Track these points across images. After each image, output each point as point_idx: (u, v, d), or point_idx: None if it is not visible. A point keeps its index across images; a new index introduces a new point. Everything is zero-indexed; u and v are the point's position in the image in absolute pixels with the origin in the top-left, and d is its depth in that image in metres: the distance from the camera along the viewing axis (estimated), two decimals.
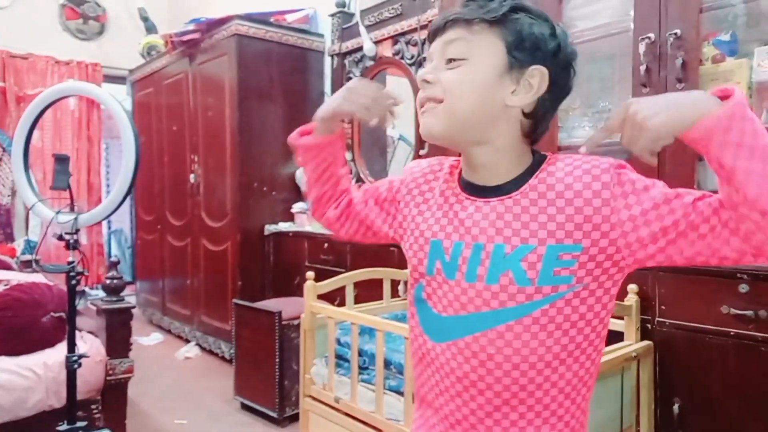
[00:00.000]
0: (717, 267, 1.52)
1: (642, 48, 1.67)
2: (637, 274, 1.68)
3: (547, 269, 0.70)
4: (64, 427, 1.60)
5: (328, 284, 2.10)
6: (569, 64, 0.77)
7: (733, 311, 1.48)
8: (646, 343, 1.62)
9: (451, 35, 0.74)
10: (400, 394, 1.70)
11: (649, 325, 1.65)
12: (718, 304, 1.51)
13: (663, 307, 1.63)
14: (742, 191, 0.59)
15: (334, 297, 2.30)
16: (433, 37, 0.78)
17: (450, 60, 0.74)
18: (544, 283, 0.70)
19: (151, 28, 4.55)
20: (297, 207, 3.42)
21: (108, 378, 1.93)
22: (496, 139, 0.76)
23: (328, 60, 3.49)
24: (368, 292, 2.29)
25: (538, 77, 0.74)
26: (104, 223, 5.20)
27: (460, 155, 0.82)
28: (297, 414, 2.30)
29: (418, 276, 0.82)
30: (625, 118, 0.65)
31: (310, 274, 2.09)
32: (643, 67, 1.68)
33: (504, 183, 0.76)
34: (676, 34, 1.60)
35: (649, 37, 1.66)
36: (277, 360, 2.47)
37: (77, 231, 1.53)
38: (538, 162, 0.76)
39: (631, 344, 1.61)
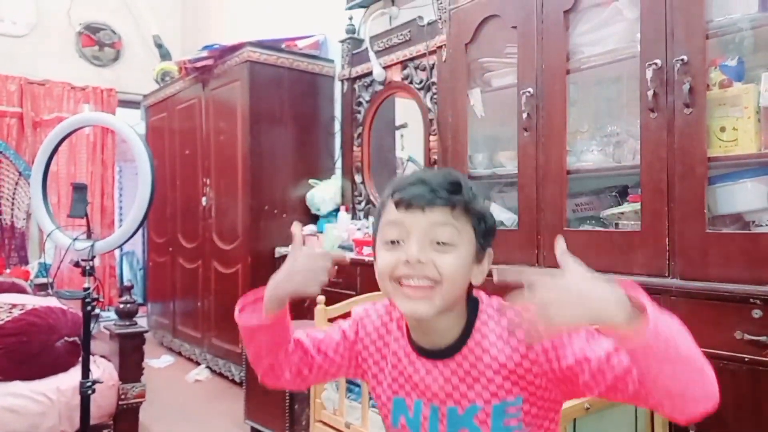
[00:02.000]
0: (728, 291, 1.52)
1: (649, 73, 1.68)
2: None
3: (497, 422, 0.79)
4: None
5: (339, 308, 2.10)
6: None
7: (747, 337, 1.46)
8: None
9: (438, 217, 0.78)
10: None
11: None
12: (731, 329, 1.50)
13: None
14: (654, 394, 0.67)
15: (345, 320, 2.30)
16: (407, 206, 0.78)
17: (440, 243, 0.78)
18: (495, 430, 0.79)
19: (165, 55, 4.65)
20: (307, 229, 3.44)
21: (120, 402, 1.94)
22: (454, 308, 0.82)
23: (338, 85, 3.54)
24: None
25: (489, 257, 0.84)
26: None
27: None
28: None
29: (387, 426, 0.90)
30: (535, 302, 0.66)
31: (321, 297, 2.09)
32: (650, 93, 1.69)
33: (447, 346, 0.83)
34: (682, 59, 1.62)
35: (655, 63, 1.67)
36: None
37: (93, 258, 1.56)
38: (471, 319, 0.83)
39: None
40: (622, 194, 1.95)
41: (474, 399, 0.80)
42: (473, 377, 0.80)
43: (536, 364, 0.77)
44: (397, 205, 0.79)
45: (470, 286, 0.84)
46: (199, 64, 3.69)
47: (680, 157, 1.65)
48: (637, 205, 1.78)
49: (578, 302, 0.63)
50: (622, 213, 1.87)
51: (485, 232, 0.82)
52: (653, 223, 1.70)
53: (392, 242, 0.80)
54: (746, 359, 1.46)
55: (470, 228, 0.80)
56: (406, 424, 0.85)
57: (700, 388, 0.66)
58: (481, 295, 0.86)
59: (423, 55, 2.82)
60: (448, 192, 0.78)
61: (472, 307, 0.84)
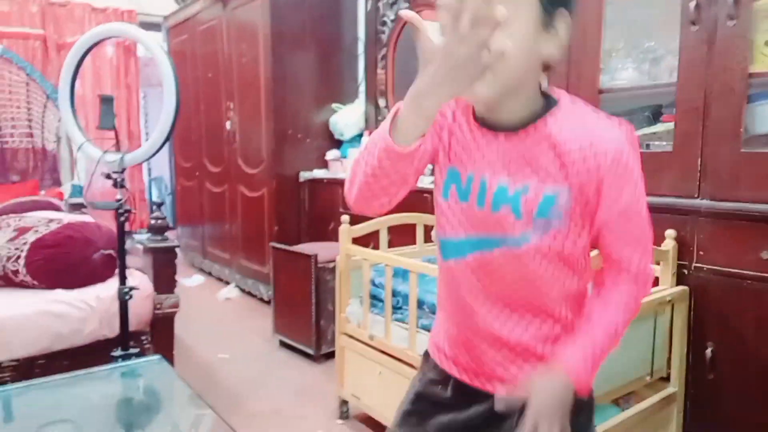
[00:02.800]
0: (759, 212, 1.49)
1: None
2: (675, 219, 1.67)
3: (543, 207, 0.78)
4: (119, 353, 1.72)
5: (363, 228, 2.14)
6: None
7: None
8: (681, 288, 1.62)
9: None
10: None
11: (686, 271, 1.64)
12: (757, 249, 1.49)
13: (701, 253, 1.62)
14: None
15: (368, 242, 2.34)
16: None
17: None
18: (539, 217, 0.78)
19: None
20: (331, 154, 3.44)
21: (156, 311, 2.05)
22: (523, 87, 0.77)
23: (361, 3, 3.41)
24: (401, 237, 2.33)
25: (564, 24, 0.75)
26: (145, 171, 5.35)
27: None
28: (333, 352, 2.40)
29: (435, 200, 0.88)
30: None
31: (346, 218, 2.13)
32: (692, 4, 1.60)
33: (514, 122, 0.79)
34: None
35: None
36: (314, 301, 2.56)
37: (124, 170, 1.59)
38: (547, 105, 0.79)
39: (666, 288, 1.61)
40: (656, 114, 1.89)
41: (528, 177, 0.78)
42: (533, 155, 0.77)
43: (591, 185, 0.77)
44: None
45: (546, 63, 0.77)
46: None
47: (720, 73, 1.58)
48: (671, 125, 1.73)
49: (559, 407, 0.78)
50: (654, 133, 1.82)
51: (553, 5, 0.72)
52: (686, 143, 1.66)
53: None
54: None
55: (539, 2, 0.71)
56: (456, 193, 0.84)
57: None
58: (563, 95, 0.80)
59: None
60: None
61: (549, 99, 0.79)
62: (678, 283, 1.64)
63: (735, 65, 1.55)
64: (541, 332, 0.85)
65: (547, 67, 0.79)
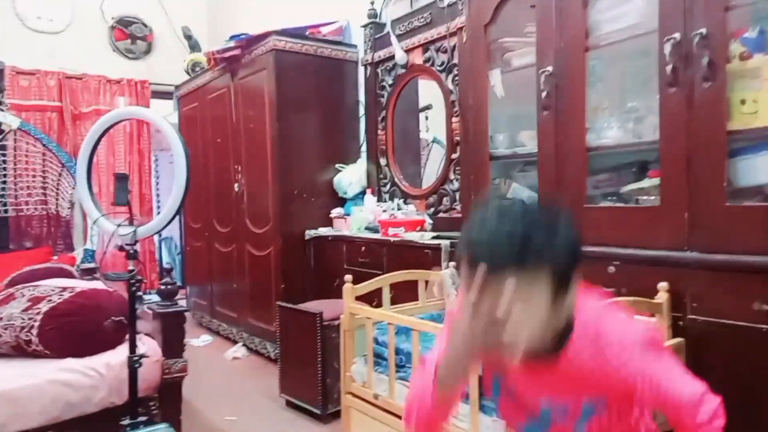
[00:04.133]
0: (748, 263, 1.53)
1: (668, 48, 1.68)
2: (668, 272, 1.71)
3: (585, 415, 0.91)
4: (127, 421, 1.74)
5: (366, 286, 2.19)
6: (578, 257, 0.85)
7: (765, 308, 1.48)
8: (678, 340, 1.64)
9: (499, 279, 0.76)
10: None
11: (680, 323, 1.67)
12: (750, 300, 1.52)
13: (695, 304, 1.65)
14: None
15: (372, 298, 2.38)
16: (471, 262, 0.79)
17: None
18: (582, 422, 0.91)
19: (194, 46, 4.77)
20: (335, 212, 3.54)
21: (164, 377, 2.08)
22: (543, 344, 0.88)
23: (361, 69, 3.59)
24: (404, 293, 2.37)
25: (571, 296, 0.84)
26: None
27: None
28: (339, 411, 2.40)
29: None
30: None
31: (348, 276, 2.19)
32: (669, 67, 1.69)
33: (541, 353, 0.87)
34: (701, 33, 1.61)
35: (674, 38, 1.67)
36: (320, 359, 2.58)
37: (136, 242, 1.67)
38: (566, 330, 0.88)
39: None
40: (642, 170, 1.96)
41: (563, 400, 0.92)
42: (563, 384, 0.91)
43: (620, 388, 0.88)
44: (469, 261, 0.80)
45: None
46: (227, 55, 3.79)
47: (700, 131, 1.65)
48: (657, 181, 1.79)
49: None
50: (641, 188, 1.89)
51: (566, 276, 0.81)
52: (673, 197, 1.72)
53: None
54: (765, 329, 1.48)
55: (546, 279, 0.79)
56: (496, 393, 1.00)
57: None
58: (579, 305, 0.87)
59: (444, 37, 2.85)
60: (522, 255, 0.77)
61: (568, 320, 0.87)
62: (674, 335, 1.66)
63: (713, 123, 1.63)
64: None
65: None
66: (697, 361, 1.64)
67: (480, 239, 0.79)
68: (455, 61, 2.79)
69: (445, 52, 2.86)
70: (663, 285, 1.67)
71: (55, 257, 3.77)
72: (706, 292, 1.63)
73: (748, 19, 1.68)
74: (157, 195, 6.09)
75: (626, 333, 0.89)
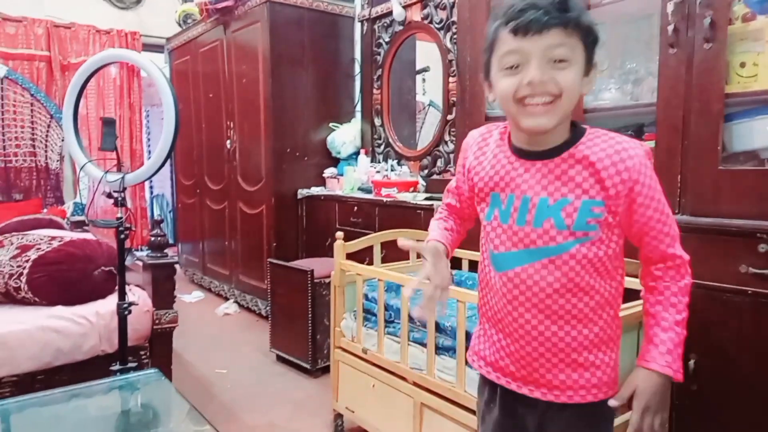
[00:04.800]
0: (737, 227, 1.54)
1: (670, 7, 1.65)
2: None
3: (581, 218, 0.90)
4: (117, 367, 1.76)
5: (357, 243, 2.19)
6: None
7: (752, 270, 1.50)
8: None
9: (553, 39, 0.84)
10: (423, 345, 1.79)
11: None
12: (737, 263, 1.53)
13: None
14: None
15: (363, 257, 2.39)
16: (524, 32, 0.84)
17: (558, 61, 0.85)
18: (577, 228, 0.90)
19: None
20: (328, 172, 3.51)
21: (155, 327, 2.09)
22: (565, 119, 0.92)
23: (358, 26, 3.51)
24: (395, 252, 2.38)
25: (594, 71, 0.92)
26: (146, 188, 5.42)
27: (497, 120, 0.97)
28: (328, 366, 2.44)
29: (482, 222, 1.03)
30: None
31: (340, 234, 2.19)
32: (671, 27, 1.66)
33: (548, 149, 0.92)
34: None
35: None
36: (310, 315, 2.60)
37: (124, 189, 1.65)
38: (578, 134, 0.93)
39: None
40: (639, 133, 1.94)
41: (566, 193, 0.91)
42: (570, 176, 0.91)
43: (624, 193, 0.89)
44: (515, 32, 0.85)
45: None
46: (219, 6, 3.69)
47: (698, 93, 1.64)
48: (652, 143, 1.79)
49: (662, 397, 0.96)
50: None
51: (592, 43, 0.88)
52: (666, 160, 1.71)
53: (512, 67, 0.87)
54: (749, 292, 1.50)
55: (580, 42, 0.86)
56: (498, 215, 0.97)
57: None
58: (587, 126, 0.96)
59: None
60: (561, 11, 0.83)
61: (576, 129, 0.94)
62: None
63: (712, 86, 1.61)
64: (585, 338, 0.95)
65: None
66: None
67: (525, 3, 0.84)
68: (454, 18, 2.73)
69: (444, 8, 2.80)
70: None
71: (45, 210, 3.74)
72: (694, 255, 1.61)
73: None
74: (149, 151, 6.02)
75: (637, 143, 0.92)
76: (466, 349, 1.65)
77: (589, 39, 0.88)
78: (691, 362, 1.63)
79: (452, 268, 2.26)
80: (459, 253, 2.29)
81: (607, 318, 0.96)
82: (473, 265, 2.26)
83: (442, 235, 1.08)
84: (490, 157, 0.99)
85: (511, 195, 0.95)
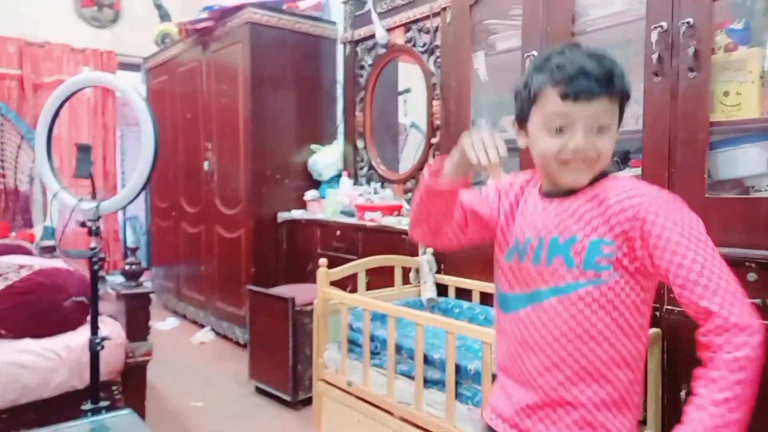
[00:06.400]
0: (725, 256, 1.54)
1: (654, 36, 1.66)
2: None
3: (589, 257, 0.87)
4: (88, 406, 1.66)
5: (341, 271, 2.14)
6: None
7: None
8: (654, 330, 1.64)
9: (600, 107, 0.86)
10: (411, 378, 1.74)
11: (657, 313, 1.67)
12: None
13: (671, 295, 1.65)
14: None
15: (346, 284, 2.34)
16: (574, 99, 0.85)
17: (599, 127, 0.87)
18: (587, 268, 0.88)
19: (164, 16, 4.58)
20: (309, 195, 3.46)
21: (128, 360, 1.99)
22: None
23: (340, 48, 3.50)
24: (379, 279, 2.33)
25: (623, 120, 0.93)
26: (119, 211, 5.28)
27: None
28: (310, 398, 2.36)
29: (497, 262, 1.02)
30: None
31: (323, 260, 2.13)
32: (655, 56, 1.68)
33: (569, 190, 0.93)
34: (688, 22, 1.60)
35: (661, 26, 1.65)
36: (291, 345, 2.52)
37: (99, 218, 1.58)
38: (600, 177, 0.92)
39: None
40: (624, 159, 1.95)
41: (576, 231, 0.90)
42: (579, 214, 0.90)
43: (634, 234, 0.85)
44: (564, 97, 0.86)
45: None
46: (199, 26, 3.65)
47: (683, 121, 1.64)
48: (638, 171, 1.79)
49: None
50: None
51: (625, 101, 0.90)
52: None
53: (557, 129, 0.88)
54: None
55: (618, 106, 0.89)
56: (517, 257, 0.97)
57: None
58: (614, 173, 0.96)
59: (427, 17, 2.79)
60: (609, 81, 0.85)
61: (603, 172, 0.93)
62: (651, 326, 1.66)
63: (696, 114, 1.62)
64: (597, 397, 0.88)
65: None
66: (674, 352, 1.65)
67: (576, 69, 0.85)
68: (438, 42, 2.73)
69: (428, 32, 2.80)
70: None
71: (13, 233, 3.60)
72: None
73: (735, 10, 1.67)
74: (123, 173, 5.88)
75: (656, 186, 0.90)
76: (456, 382, 1.61)
77: (625, 101, 0.90)
78: (683, 392, 1.61)
79: (458, 297, 2.22)
80: (447, 280, 2.25)
81: (624, 379, 0.89)
82: (462, 294, 2.22)
83: None
84: (531, 209, 1.00)
85: (529, 237, 0.96)
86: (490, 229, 1.05)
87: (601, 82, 0.85)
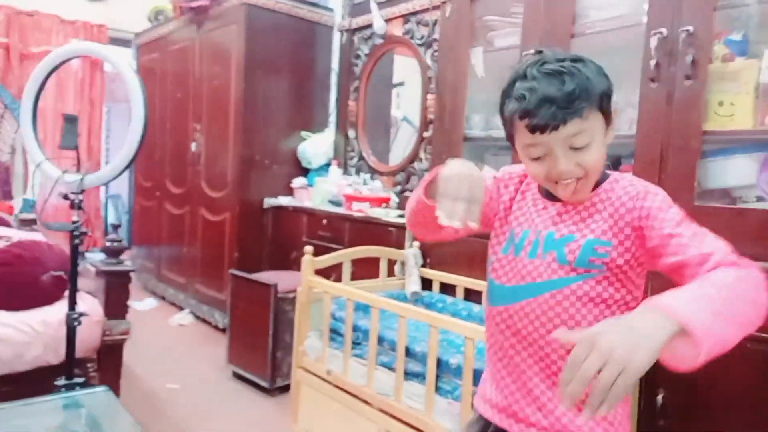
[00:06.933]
0: None
1: (654, 42, 1.67)
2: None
3: (583, 256, 0.89)
4: (62, 382, 1.63)
5: (326, 259, 2.12)
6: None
7: None
8: None
9: (571, 129, 0.85)
10: (392, 370, 1.73)
11: None
12: None
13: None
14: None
15: (329, 273, 2.32)
16: (542, 131, 0.85)
17: (578, 148, 0.86)
18: (579, 265, 0.89)
19: None
20: (297, 182, 3.43)
21: (105, 338, 1.96)
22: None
23: (337, 35, 3.46)
24: (364, 270, 2.32)
25: (615, 114, 0.92)
26: (102, 188, 5.19)
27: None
28: (287, 385, 2.34)
29: (492, 254, 1.02)
30: (592, 354, 0.63)
31: (309, 248, 2.11)
32: (653, 62, 1.68)
33: None
34: (688, 30, 1.60)
35: (661, 32, 1.66)
36: (271, 331, 2.50)
37: (83, 191, 1.54)
38: (601, 180, 0.93)
39: None
40: (616, 164, 1.96)
41: (573, 231, 0.92)
42: (581, 216, 0.92)
43: (633, 227, 0.88)
44: (532, 130, 0.86)
45: None
46: (194, 4, 3.58)
47: (676, 128, 1.65)
48: (628, 176, 1.79)
49: (639, 334, 0.64)
50: None
51: (608, 100, 0.88)
52: None
53: (537, 158, 0.89)
54: None
55: (597, 112, 0.86)
56: (513, 250, 0.98)
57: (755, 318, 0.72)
58: (614, 173, 0.96)
59: (426, 10, 2.77)
60: (573, 101, 0.83)
61: (603, 173, 0.94)
62: None
63: (691, 123, 1.63)
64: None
65: None
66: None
67: (539, 98, 0.84)
68: (436, 36, 2.71)
69: (427, 25, 2.78)
70: None
71: None
72: (661, 289, 1.64)
73: (734, 21, 1.68)
74: (107, 149, 5.78)
75: (657, 189, 0.90)
76: (437, 376, 1.60)
77: (604, 101, 0.87)
78: (659, 397, 1.63)
79: (442, 292, 2.21)
80: (431, 274, 2.25)
81: None
82: (446, 289, 2.22)
83: None
84: (530, 204, 1.00)
85: (527, 230, 0.97)
86: (489, 220, 1.05)
87: (565, 106, 0.83)
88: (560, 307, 0.90)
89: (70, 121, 1.57)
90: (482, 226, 1.05)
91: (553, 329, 0.90)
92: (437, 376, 1.60)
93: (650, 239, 0.85)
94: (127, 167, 1.58)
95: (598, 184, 0.93)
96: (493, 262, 1.02)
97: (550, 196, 0.98)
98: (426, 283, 2.25)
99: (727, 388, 1.50)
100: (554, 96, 0.83)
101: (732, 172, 1.66)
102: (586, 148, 0.86)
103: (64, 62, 1.64)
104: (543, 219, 0.96)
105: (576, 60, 0.87)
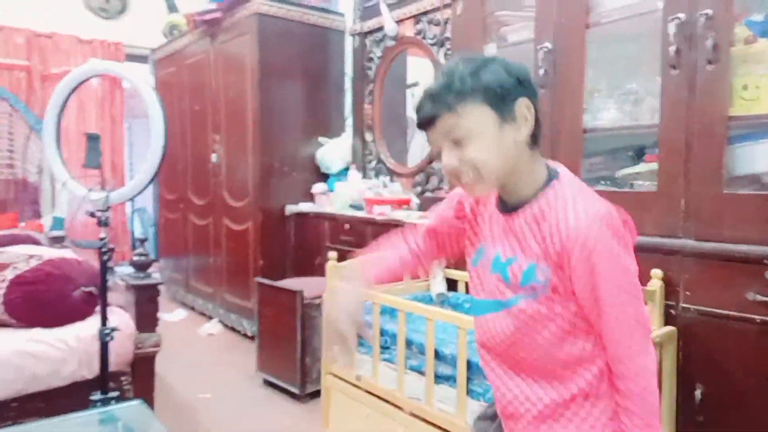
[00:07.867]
0: (742, 252, 1.51)
1: (672, 29, 1.63)
2: (661, 259, 1.68)
3: (525, 279, 0.89)
4: (98, 396, 1.66)
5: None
6: (528, 79, 0.90)
7: (759, 298, 1.46)
8: (669, 328, 1.62)
9: (445, 125, 0.86)
10: (421, 373, 1.72)
11: (672, 311, 1.64)
12: (743, 290, 1.50)
13: (687, 293, 1.62)
14: None
15: None
16: (422, 128, 0.89)
17: (458, 142, 0.86)
18: (522, 284, 0.89)
19: (172, 7, 4.56)
20: (317, 188, 3.44)
21: (137, 351, 1.99)
22: (516, 171, 0.90)
23: (349, 40, 3.47)
24: None
25: (524, 107, 0.88)
26: (128, 202, 5.29)
27: None
28: (318, 391, 2.35)
29: (468, 267, 1.04)
30: None
31: (333, 254, 2.12)
32: (672, 48, 1.64)
33: (518, 202, 0.92)
34: (707, 14, 1.56)
35: (679, 17, 1.62)
36: (299, 338, 2.52)
37: (108, 208, 1.57)
38: (546, 182, 0.91)
39: (655, 330, 1.61)
40: (639, 154, 1.92)
41: (517, 252, 0.91)
42: (522, 236, 0.91)
43: (563, 263, 0.86)
44: (418, 126, 0.90)
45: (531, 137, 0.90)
46: (207, 17, 3.63)
47: (700, 115, 1.61)
48: (654, 165, 1.76)
49: None
50: (637, 173, 1.85)
51: (501, 96, 0.85)
52: (669, 183, 1.68)
53: (438, 153, 0.91)
54: (757, 320, 1.47)
55: (479, 105, 0.85)
56: (481, 264, 0.99)
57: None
58: (563, 172, 0.92)
59: (437, 9, 2.76)
60: (446, 98, 0.84)
61: (550, 174, 0.92)
62: (666, 324, 1.64)
63: (714, 108, 1.59)
64: (561, 397, 0.91)
65: (534, 141, 0.91)
66: (689, 350, 1.62)
67: (423, 95, 0.88)
68: (448, 34, 2.70)
69: (438, 24, 2.77)
70: (657, 272, 1.64)
71: (22, 224, 3.60)
72: (699, 281, 1.61)
73: (755, 1, 1.63)
74: (130, 164, 5.89)
75: (596, 207, 0.85)
76: (467, 378, 1.59)
77: (492, 96, 0.85)
78: (698, 392, 1.59)
79: (449, 290, 2.20)
80: (456, 275, 2.24)
81: (587, 374, 0.91)
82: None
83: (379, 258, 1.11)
84: (488, 219, 1.00)
85: (484, 245, 0.98)
86: (457, 243, 1.09)
87: (437, 101, 0.85)
88: (513, 325, 0.91)
89: (93, 140, 1.60)
90: (451, 256, 1.12)
91: (515, 344, 0.92)
92: (468, 379, 1.59)
93: (577, 287, 0.86)
94: (150, 182, 1.61)
95: (542, 189, 0.90)
96: (470, 272, 1.03)
97: (500, 206, 0.96)
98: (451, 284, 2.24)
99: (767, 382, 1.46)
100: (431, 92, 0.86)
101: (761, 157, 1.61)
102: (468, 142, 0.85)
103: (84, 81, 1.67)
104: (495, 232, 0.96)
105: (472, 61, 0.87)
